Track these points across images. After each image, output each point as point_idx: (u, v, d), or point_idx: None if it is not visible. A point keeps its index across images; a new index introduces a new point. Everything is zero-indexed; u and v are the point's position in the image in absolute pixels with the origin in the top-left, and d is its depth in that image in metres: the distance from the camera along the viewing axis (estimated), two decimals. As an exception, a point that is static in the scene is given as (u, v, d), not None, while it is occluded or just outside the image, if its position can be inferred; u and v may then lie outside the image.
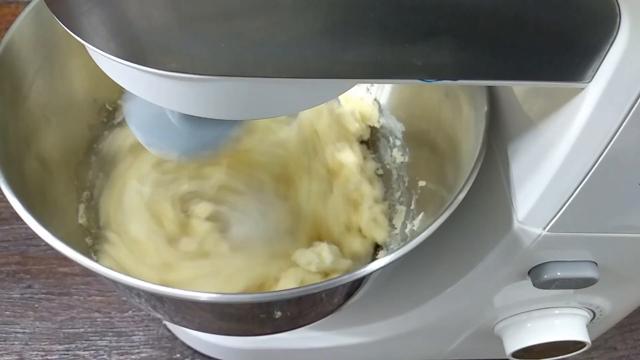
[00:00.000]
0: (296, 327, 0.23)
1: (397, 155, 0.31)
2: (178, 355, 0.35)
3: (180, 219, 0.28)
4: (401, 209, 0.30)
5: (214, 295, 0.18)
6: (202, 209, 0.28)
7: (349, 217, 0.29)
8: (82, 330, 0.36)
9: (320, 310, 0.22)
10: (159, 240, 0.27)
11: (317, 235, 0.29)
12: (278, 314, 0.20)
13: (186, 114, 0.17)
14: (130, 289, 0.19)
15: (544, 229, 0.21)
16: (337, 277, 0.18)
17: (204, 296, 0.18)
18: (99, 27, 0.14)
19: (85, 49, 0.15)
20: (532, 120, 0.20)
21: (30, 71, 0.24)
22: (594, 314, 0.27)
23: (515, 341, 0.27)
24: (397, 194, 0.30)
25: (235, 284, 0.26)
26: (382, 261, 0.19)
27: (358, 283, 0.20)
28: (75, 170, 0.28)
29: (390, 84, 0.32)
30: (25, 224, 0.19)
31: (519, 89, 0.21)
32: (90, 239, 0.27)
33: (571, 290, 0.25)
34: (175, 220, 0.28)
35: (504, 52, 0.15)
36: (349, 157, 0.30)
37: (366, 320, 0.30)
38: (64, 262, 0.38)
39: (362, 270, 0.18)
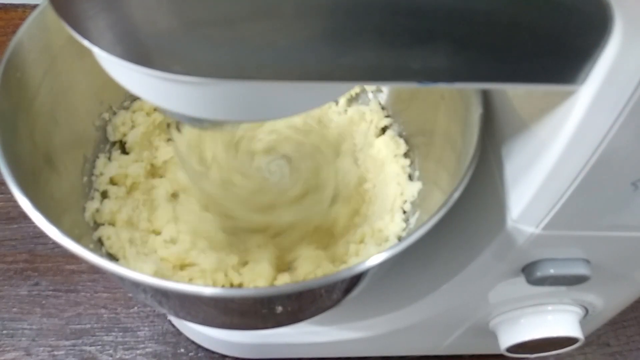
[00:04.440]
0: (296, 321, 0.24)
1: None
2: (182, 350, 0.36)
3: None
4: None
5: (218, 291, 0.18)
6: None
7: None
8: (88, 326, 0.36)
9: (320, 305, 0.22)
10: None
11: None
12: (279, 308, 0.20)
13: None
14: (136, 285, 0.20)
15: (537, 227, 0.21)
16: (336, 273, 0.19)
17: (207, 291, 0.18)
18: (105, 31, 0.14)
19: (91, 52, 0.15)
20: (525, 122, 0.20)
21: (38, 73, 0.24)
22: (587, 310, 0.28)
23: (510, 337, 0.28)
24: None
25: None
26: (379, 258, 0.19)
27: (356, 279, 0.20)
28: (82, 169, 0.28)
29: (388, 87, 0.32)
30: (33, 222, 0.19)
31: (512, 92, 0.22)
32: (97, 236, 0.28)
33: (564, 287, 0.26)
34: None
35: (498, 55, 0.16)
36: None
37: (364, 316, 0.31)
38: (71, 260, 0.38)
39: (359, 266, 0.19)
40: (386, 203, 0.30)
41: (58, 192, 0.25)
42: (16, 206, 0.20)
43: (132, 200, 0.30)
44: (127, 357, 0.35)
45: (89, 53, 0.15)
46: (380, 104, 0.33)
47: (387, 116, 0.33)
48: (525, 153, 0.20)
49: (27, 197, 0.20)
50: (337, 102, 0.34)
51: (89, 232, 0.28)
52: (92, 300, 0.37)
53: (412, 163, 0.31)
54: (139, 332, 0.36)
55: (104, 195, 0.29)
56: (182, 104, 0.16)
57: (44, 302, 0.37)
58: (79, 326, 0.36)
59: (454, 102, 0.25)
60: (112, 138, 0.31)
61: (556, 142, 0.18)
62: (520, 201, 0.21)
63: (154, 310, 0.37)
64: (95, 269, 0.38)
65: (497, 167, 0.22)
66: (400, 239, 0.28)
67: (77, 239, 0.19)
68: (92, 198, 0.29)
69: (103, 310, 0.37)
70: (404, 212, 0.29)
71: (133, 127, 0.31)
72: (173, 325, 0.36)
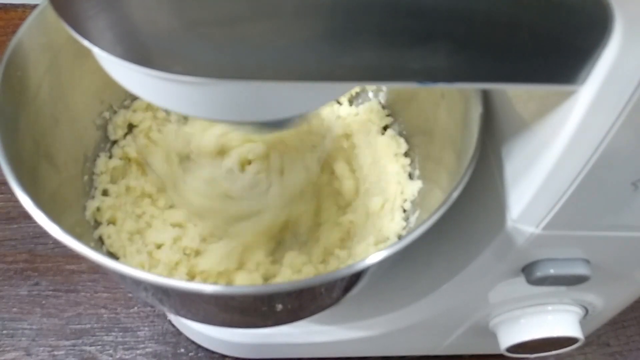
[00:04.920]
0: (296, 319, 0.24)
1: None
2: (182, 350, 0.36)
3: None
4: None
5: (218, 288, 0.18)
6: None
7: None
8: (88, 326, 0.36)
9: (320, 303, 0.22)
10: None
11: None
12: (279, 306, 0.20)
13: None
14: (137, 283, 0.20)
15: (537, 227, 0.21)
16: (336, 271, 0.19)
17: (208, 289, 0.18)
18: (105, 31, 0.14)
19: (91, 52, 0.15)
20: (525, 122, 0.20)
21: (38, 73, 0.25)
22: (587, 310, 0.28)
23: (510, 337, 0.28)
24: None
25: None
26: (379, 255, 0.19)
27: (356, 277, 0.20)
28: (82, 168, 0.28)
29: (388, 86, 0.32)
30: (34, 222, 0.19)
31: (512, 92, 0.22)
32: (97, 235, 0.28)
33: (564, 287, 0.26)
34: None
35: (498, 55, 0.16)
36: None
37: (364, 316, 0.31)
38: (71, 260, 0.38)
39: (359, 264, 0.19)
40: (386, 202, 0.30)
41: (58, 191, 0.25)
42: (16, 206, 0.20)
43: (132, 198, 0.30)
44: (127, 357, 0.35)
45: (89, 52, 0.15)
46: (380, 103, 0.33)
47: (388, 115, 0.33)
48: (525, 153, 0.20)
49: (29, 195, 0.20)
50: (338, 102, 0.34)
51: (89, 231, 0.28)
52: (92, 300, 0.37)
53: (412, 162, 0.31)
54: (139, 332, 0.36)
55: (105, 194, 0.29)
56: (182, 104, 0.16)
57: (44, 302, 0.37)
58: (79, 326, 0.36)
59: (454, 101, 0.25)
60: (112, 137, 0.31)
61: (556, 142, 0.18)
62: (520, 201, 0.21)
63: (154, 310, 0.37)
64: (95, 269, 0.38)
65: (497, 167, 0.22)
66: (400, 237, 0.28)
67: (78, 238, 0.19)
68: (93, 197, 0.29)
69: (103, 310, 0.37)
70: (404, 211, 0.29)
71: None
72: (173, 325, 0.36)
